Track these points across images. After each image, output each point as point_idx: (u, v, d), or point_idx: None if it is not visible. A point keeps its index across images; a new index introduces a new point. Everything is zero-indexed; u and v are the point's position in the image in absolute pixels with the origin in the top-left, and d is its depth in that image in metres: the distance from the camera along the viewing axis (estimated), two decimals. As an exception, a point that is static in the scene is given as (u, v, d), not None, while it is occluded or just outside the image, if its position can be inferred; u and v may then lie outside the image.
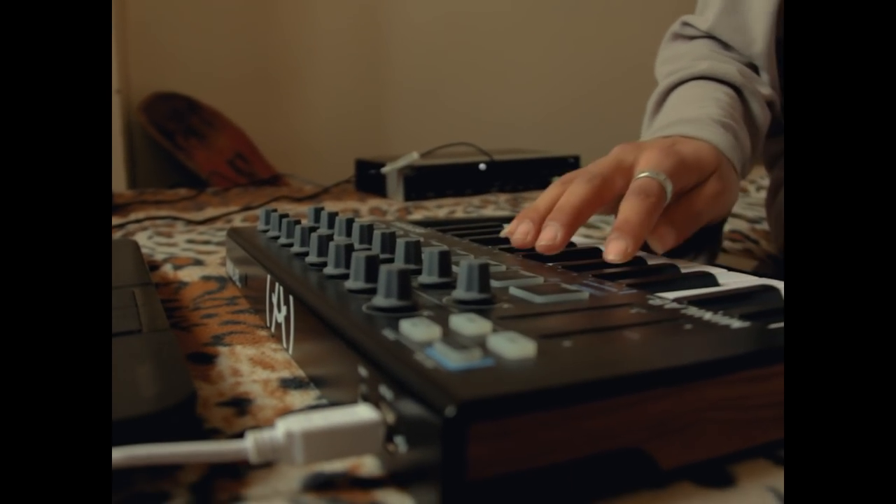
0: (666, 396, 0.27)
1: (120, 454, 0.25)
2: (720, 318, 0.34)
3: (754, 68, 0.69)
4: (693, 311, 0.35)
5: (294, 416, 0.27)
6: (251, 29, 1.75)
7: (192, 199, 1.27)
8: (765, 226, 0.86)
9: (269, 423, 0.34)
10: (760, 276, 0.47)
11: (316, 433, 0.26)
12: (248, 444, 0.26)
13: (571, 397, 0.25)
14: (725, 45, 0.71)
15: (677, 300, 0.38)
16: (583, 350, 0.29)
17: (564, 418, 0.25)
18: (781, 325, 0.34)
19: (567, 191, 0.52)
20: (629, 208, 0.49)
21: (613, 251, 0.47)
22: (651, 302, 0.37)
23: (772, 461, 0.30)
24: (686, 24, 0.75)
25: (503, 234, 0.56)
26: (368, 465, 0.29)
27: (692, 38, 0.75)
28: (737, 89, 0.66)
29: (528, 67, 2.00)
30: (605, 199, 0.52)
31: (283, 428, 0.26)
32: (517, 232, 0.52)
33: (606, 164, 0.53)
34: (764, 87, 0.68)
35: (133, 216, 1.05)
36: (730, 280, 0.45)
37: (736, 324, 0.33)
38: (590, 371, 0.27)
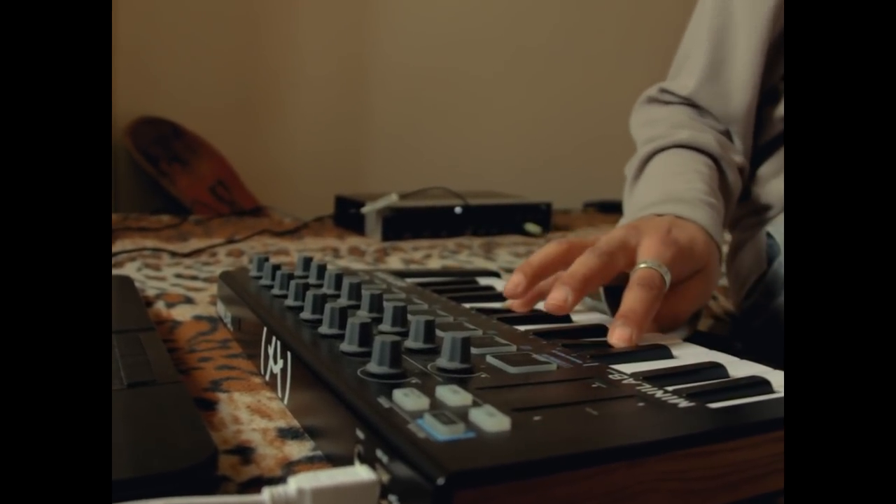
0: (620, 469, 0.32)
1: (158, 504, 0.29)
2: (669, 397, 0.39)
3: (727, 135, 0.73)
4: (647, 387, 0.40)
5: (303, 475, 0.31)
6: (238, 60, 1.79)
7: (175, 228, 1.30)
8: (724, 282, 0.92)
9: (271, 472, 0.38)
10: (713, 339, 0.53)
11: (323, 490, 0.31)
12: (265, 498, 0.31)
13: (540, 469, 0.30)
14: (703, 111, 0.75)
15: (634, 375, 0.43)
16: (550, 424, 0.34)
17: (534, 487, 0.30)
18: (722, 404, 0.39)
19: (577, 261, 0.55)
20: (634, 299, 0.52)
21: (618, 337, 0.50)
22: (610, 376, 0.42)
23: (707, 526, 0.35)
24: (664, 90, 0.78)
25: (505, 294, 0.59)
26: (363, 517, 0.34)
27: (668, 103, 0.78)
28: (715, 159, 0.70)
29: (504, 116, 2.07)
30: (609, 275, 0.56)
31: (294, 485, 0.31)
32: (509, 281, 0.57)
33: (613, 243, 0.57)
34: (738, 155, 0.72)
35: (119, 244, 1.09)
36: (682, 352, 0.51)
37: (683, 403, 0.38)
38: (556, 447, 0.32)
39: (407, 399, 0.35)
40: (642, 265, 0.55)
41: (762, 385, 0.43)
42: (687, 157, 0.70)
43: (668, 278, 0.55)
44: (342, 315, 0.48)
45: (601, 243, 0.57)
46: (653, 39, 2.15)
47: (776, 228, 0.69)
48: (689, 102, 0.76)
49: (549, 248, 0.59)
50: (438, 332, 0.48)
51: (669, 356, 0.50)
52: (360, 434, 0.35)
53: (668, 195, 0.65)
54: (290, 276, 0.60)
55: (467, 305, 0.61)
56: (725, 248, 0.80)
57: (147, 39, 1.71)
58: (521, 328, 0.53)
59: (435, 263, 1.07)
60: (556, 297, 0.53)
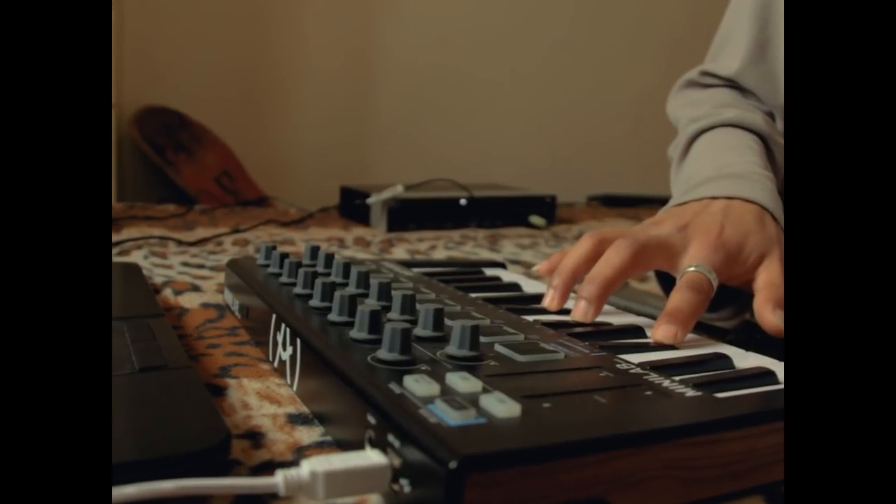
0: (627, 456, 0.33)
1: (171, 485, 0.30)
2: (676, 387, 0.39)
3: (771, 117, 0.72)
4: (654, 377, 0.41)
5: (316, 458, 0.32)
6: (244, 51, 1.79)
7: (181, 217, 1.31)
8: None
9: (282, 456, 0.39)
10: (721, 332, 0.53)
11: (335, 473, 0.31)
12: (279, 480, 0.31)
13: (549, 455, 0.31)
14: (746, 93, 0.73)
15: (641, 365, 0.43)
16: (559, 412, 0.35)
17: (543, 472, 0.31)
18: (728, 394, 0.40)
19: (604, 256, 0.54)
20: (681, 299, 0.52)
21: (663, 334, 0.50)
22: (618, 366, 0.43)
23: (712, 513, 0.35)
24: (705, 73, 0.77)
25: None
26: (374, 500, 0.34)
27: (709, 86, 0.77)
28: (762, 138, 0.68)
29: (510, 110, 2.08)
30: (638, 270, 0.55)
31: (307, 468, 0.31)
32: (544, 299, 0.56)
33: (653, 240, 0.56)
34: (781, 137, 0.70)
35: (125, 232, 1.09)
36: (688, 343, 0.51)
37: (689, 392, 0.39)
38: (565, 433, 0.32)
39: (418, 385, 0.36)
40: (691, 268, 0.54)
41: (767, 376, 0.44)
42: (736, 135, 0.68)
43: (715, 284, 0.54)
44: (351, 303, 0.48)
45: (640, 235, 0.56)
46: (658, 35, 2.15)
47: None
48: (732, 84, 0.74)
49: (580, 249, 0.57)
50: (447, 321, 0.48)
51: (675, 347, 0.50)
52: (371, 419, 0.35)
53: (721, 170, 0.63)
54: (299, 265, 0.61)
55: (474, 295, 0.61)
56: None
57: (153, 29, 1.71)
58: (529, 318, 0.54)
59: (440, 254, 1.08)
60: (577, 312, 0.53)
